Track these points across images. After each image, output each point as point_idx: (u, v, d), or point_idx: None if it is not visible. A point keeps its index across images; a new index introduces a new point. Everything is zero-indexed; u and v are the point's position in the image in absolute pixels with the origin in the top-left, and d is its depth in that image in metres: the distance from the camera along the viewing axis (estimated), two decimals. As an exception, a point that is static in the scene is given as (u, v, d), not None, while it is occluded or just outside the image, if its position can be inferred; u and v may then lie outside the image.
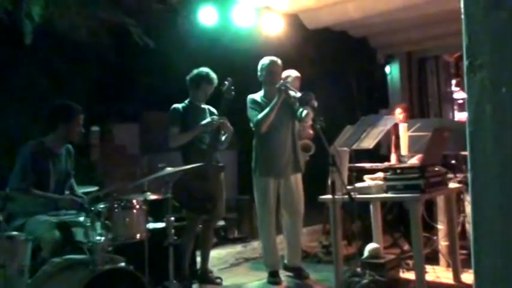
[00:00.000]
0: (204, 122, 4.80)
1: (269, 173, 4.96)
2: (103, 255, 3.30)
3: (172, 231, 3.81)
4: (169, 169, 3.78)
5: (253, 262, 5.99)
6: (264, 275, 5.13)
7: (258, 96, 5.09)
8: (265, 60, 5.08)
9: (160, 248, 3.93)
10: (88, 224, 3.46)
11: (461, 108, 11.01)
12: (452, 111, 9.34)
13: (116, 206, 3.53)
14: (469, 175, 1.48)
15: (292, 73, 5.71)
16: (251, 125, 5.04)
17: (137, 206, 3.64)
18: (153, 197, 4.27)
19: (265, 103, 4.98)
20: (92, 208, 3.50)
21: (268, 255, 5.06)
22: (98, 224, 3.40)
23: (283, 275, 5.14)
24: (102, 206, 3.49)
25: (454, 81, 10.03)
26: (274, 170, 4.96)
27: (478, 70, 1.45)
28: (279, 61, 5.08)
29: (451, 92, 9.42)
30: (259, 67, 5.09)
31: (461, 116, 10.13)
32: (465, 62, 1.48)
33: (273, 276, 4.99)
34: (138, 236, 3.63)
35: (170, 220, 3.75)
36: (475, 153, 1.48)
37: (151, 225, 4.52)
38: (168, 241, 3.76)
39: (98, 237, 3.38)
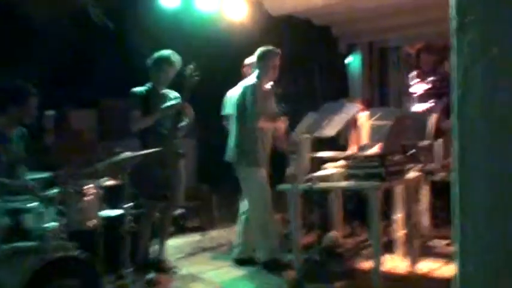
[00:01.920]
0: (166, 104, 4.69)
1: (263, 163, 4.91)
2: (54, 242, 3.17)
3: (129, 218, 3.69)
4: (126, 154, 3.66)
5: (211, 252, 5.91)
6: (221, 264, 5.08)
7: (254, 81, 4.96)
8: (268, 51, 4.97)
9: (116, 236, 3.83)
10: (40, 210, 3.31)
11: (421, 99, 11.14)
12: (412, 102, 9.40)
13: (70, 191, 3.39)
14: (454, 144, 1.38)
15: None
16: (249, 113, 4.84)
17: (92, 192, 3.51)
18: (110, 183, 4.15)
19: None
20: (45, 193, 3.35)
21: (270, 244, 4.89)
22: (51, 210, 3.26)
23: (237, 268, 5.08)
24: (55, 191, 3.35)
25: (414, 73, 10.12)
26: (265, 161, 4.92)
27: (468, 29, 1.34)
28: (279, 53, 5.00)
29: (411, 84, 9.48)
30: (260, 54, 4.98)
31: (420, 107, 10.24)
32: (454, 21, 1.37)
33: (276, 264, 4.83)
34: (92, 222, 3.51)
35: (127, 207, 3.63)
36: (462, 120, 1.36)
37: (107, 212, 4.41)
38: (124, 229, 3.64)
39: (50, 224, 3.24)
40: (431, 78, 11.60)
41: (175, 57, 4.78)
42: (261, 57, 4.99)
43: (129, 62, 6.82)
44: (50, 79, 7.28)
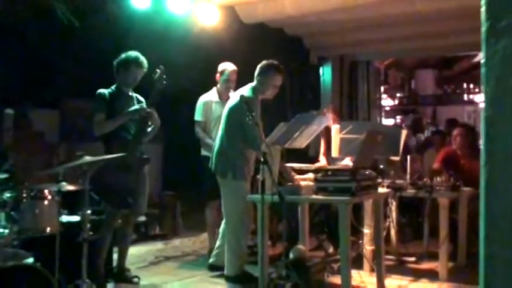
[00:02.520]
0: (132, 108, 4.51)
1: (249, 176, 4.68)
2: (5, 250, 2.95)
3: (88, 225, 3.49)
4: (87, 158, 3.46)
5: (174, 261, 5.73)
6: (186, 275, 4.91)
7: (251, 96, 4.58)
8: (272, 67, 4.65)
9: (74, 244, 3.61)
10: (-9, 215, 3.09)
11: (388, 115, 11.26)
12: (380, 117, 9.46)
13: (24, 195, 3.17)
14: (482, 171, 1.18)
15: (228, 66, 5.58)
16: (250, 136, 4.41)
17: (49, 197, 3.32)
18: (70, 187, 3.92)
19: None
20: (-4, 196, 3.13)
21: (239, 259, 4.71)
22: (2, 215, 3.03)
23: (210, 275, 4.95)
24: (8, 195, 3.13)
25: (382, 88, 10.21)
26: (251, 174, 4.69)
27: (501, 34, 1.12)
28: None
29: (380, 99, 9.56)
30: (263, 68, 4.67)
31: (388, 122, 10.33)
32: (484, 24, 1.16)
33: (242, 277, 4.68)
34: (48, 229, 3.32)
35: (86, 214, 3.42)
36: (494, 143, 1.15)
37: (65, 218, 4.20)
38: (82, 236, 3.44)
39: (1, 230, 3.02)
40: (398, 95, 11.80)
41: (143, 59, 4.61)
42: (263, 72, 4.68)
43: (95, 62, 6.62)
44: (10, 78, 7.00)
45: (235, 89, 5.23)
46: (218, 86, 5.63)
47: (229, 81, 5.54)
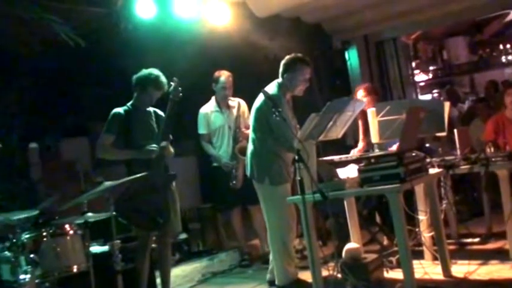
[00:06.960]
0: (142, 151, 4.17)
1: (288, 178, 4.40)
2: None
3: (119, 255, 3.21)
4: (107, 183, 3.19)
5: (222, 276, 5.45)
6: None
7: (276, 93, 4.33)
8: (298, 60, 4.38)
9: (110, 276, 3.35)
10: (12, 259, 2.83)
11: (424, 90, 10.74)
12: (415, 94, 8.98)
13: (43, 234, 2.91)
14: None
15: (222, 73, 5.51)
16: (279, 134, 4.24)
17: (71, 232, 3.04)
18: (98, 217, 3.65)
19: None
20: (14, 240, 2.87)
21: (289, 266, 4.44)
22: (22, 259, 2.78)
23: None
24: (26, 236, 2.87)
25: (414, 64, 9.73)
26: (289, 175, 4.39)
27: None
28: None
29: (412, 75, 9.07)
30: (288, 63, 4.38)
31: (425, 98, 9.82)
32: None
33: (302, 283, 4.39)
34: (75, 267, 3.04)
35: (114, 243, 3.15)
36: None
37: (99, 249, 3.95)
38: (115, 268, 3.16)
39: (22, 276, 2.75)
40: (431, 68, 11.23)
41: (163, 80, 4.29)
42: (288, 68, 4.38)
43: (115, 81, 6.40)
44: (32, 111, 6.84)
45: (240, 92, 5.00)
46: (215, 95, 5.58)
47: (225, 88, 5.47)
